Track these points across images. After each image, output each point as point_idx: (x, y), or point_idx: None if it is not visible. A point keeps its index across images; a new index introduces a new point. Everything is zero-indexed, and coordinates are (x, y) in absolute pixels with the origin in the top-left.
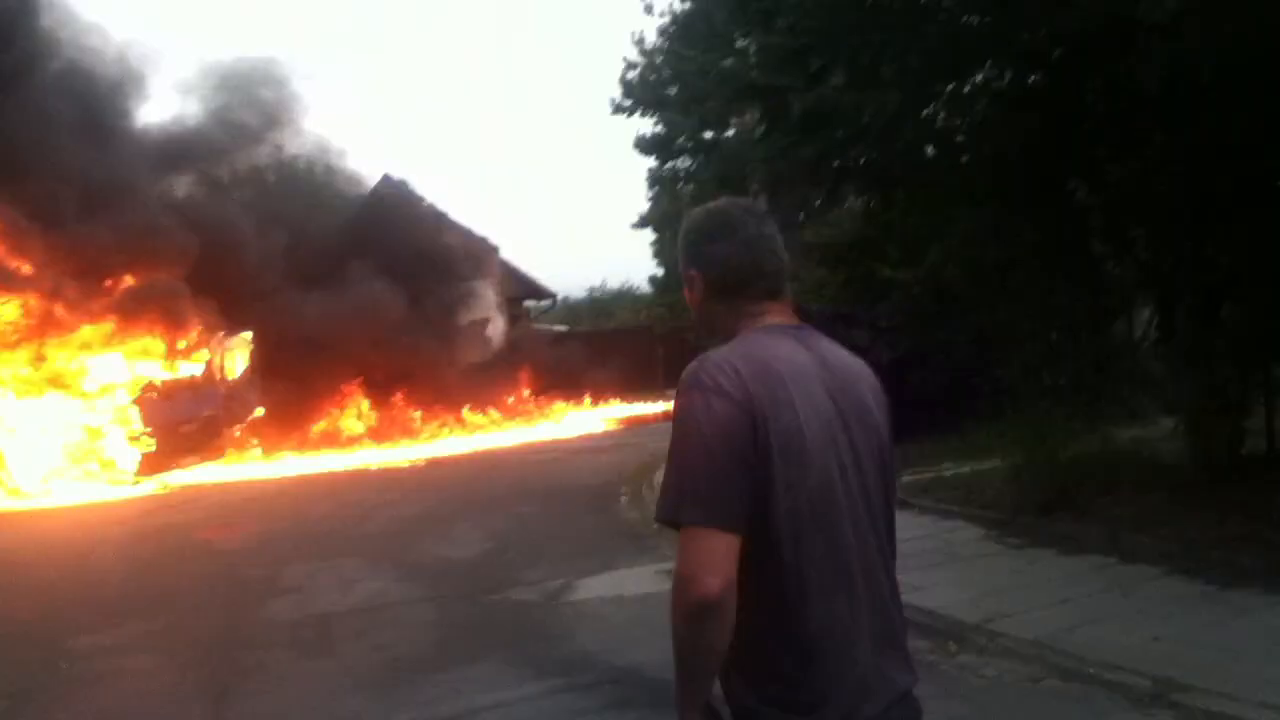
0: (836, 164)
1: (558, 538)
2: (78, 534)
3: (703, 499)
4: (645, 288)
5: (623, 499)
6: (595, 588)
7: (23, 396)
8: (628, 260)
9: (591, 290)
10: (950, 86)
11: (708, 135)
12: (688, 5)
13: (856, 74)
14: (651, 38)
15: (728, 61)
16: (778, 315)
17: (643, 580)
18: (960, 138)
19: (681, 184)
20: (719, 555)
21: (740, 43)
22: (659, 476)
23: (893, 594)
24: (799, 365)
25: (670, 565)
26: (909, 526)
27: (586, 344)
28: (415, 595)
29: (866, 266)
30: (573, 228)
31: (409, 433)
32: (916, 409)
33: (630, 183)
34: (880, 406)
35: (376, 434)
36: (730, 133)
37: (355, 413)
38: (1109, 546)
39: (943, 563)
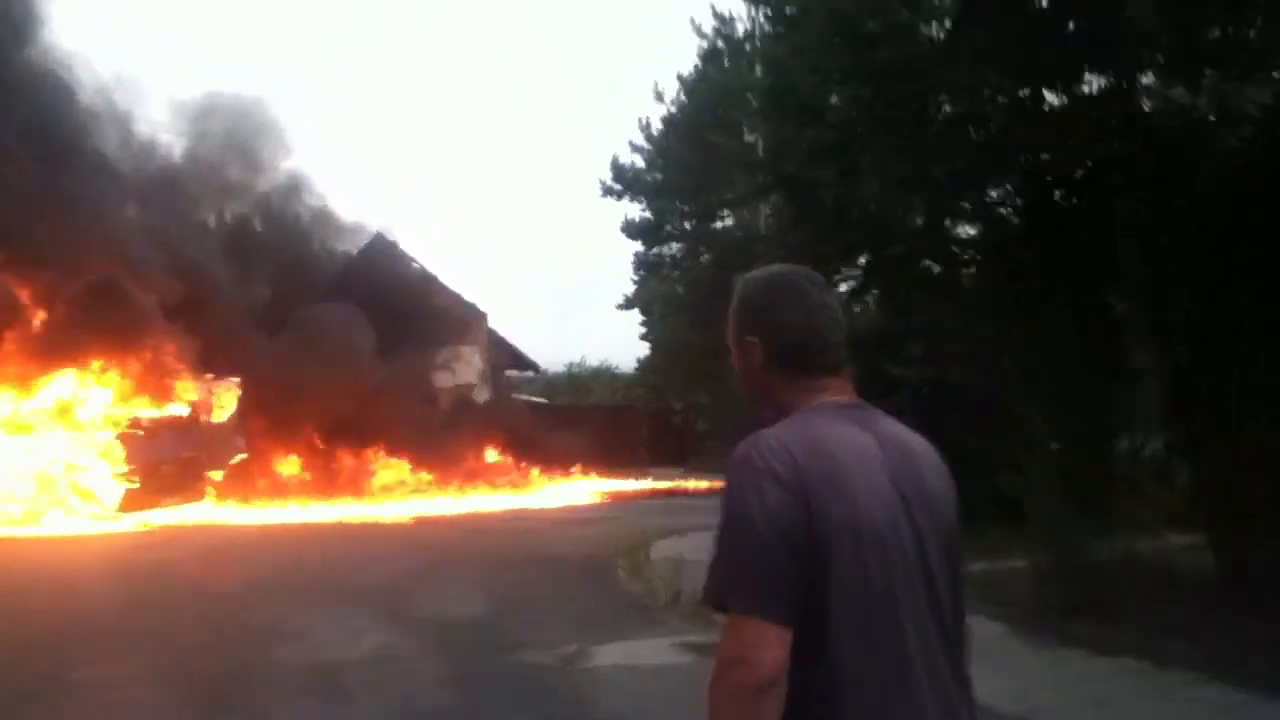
0: (864, 260)
1: (561, 603)
2: (64, 566)
3: (754, 588)
4: (624, 366)
5: (620, 572)
6: (610, 655)
7: (6, 427)
8: (607, 339)
9: (570, 365)
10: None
11: (688, 226)
12: (694, 97)
13: (888, 178)
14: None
15: (754, 147)
16: (837, 392)
17: (658, 652)
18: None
19: (669, 270)
20: (769, 640)
21: (748, 137)
22: (657, 550)
23: (962, 693)
24: (859, 449)
25: (686, 639)
26: None
27: (569, 417)
28: (425, 650)
29: (877, 363)
30: (552, 302)
31: (389, 490)
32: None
33: (612, 262)
34: (946, 487)
35: (354, 489)
36: (729, 222)
37: (337, 466)
38: (1140, 651)
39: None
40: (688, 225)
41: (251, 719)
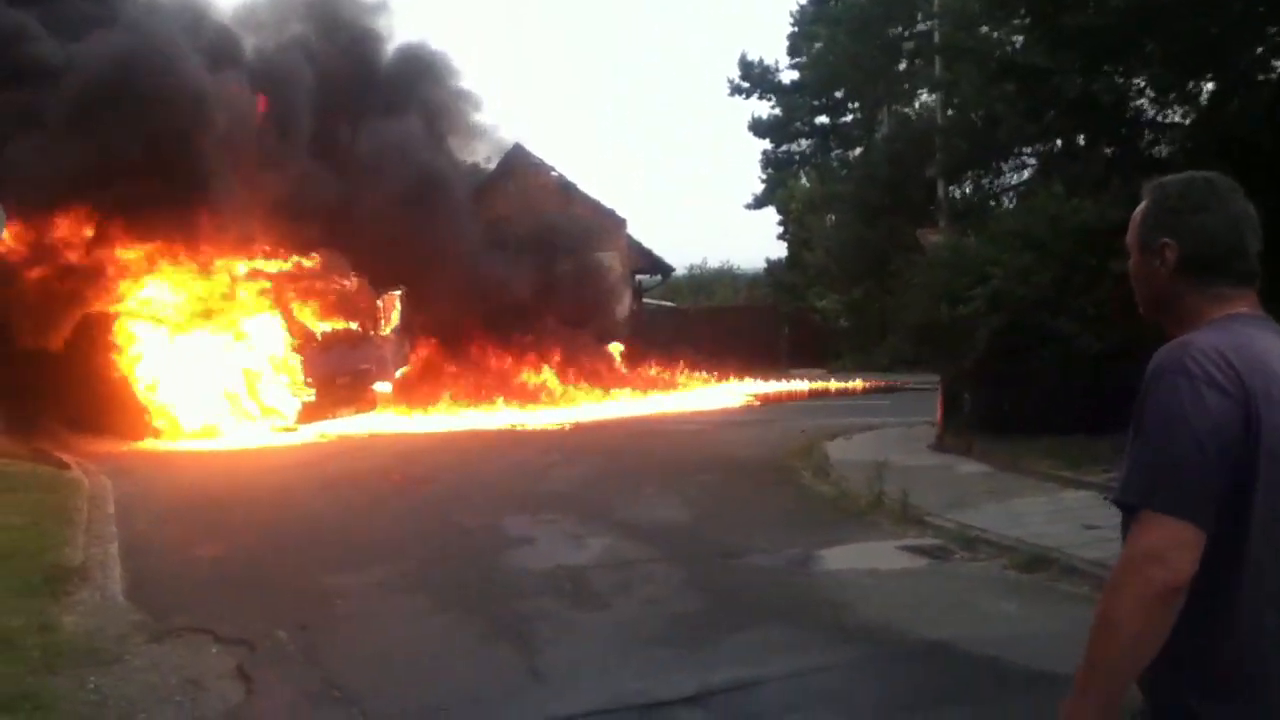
0: (1108, 151)
1: (757, 507)
2: (267, 477)
3: (1183, 489)
4: (744, 267)
5: (804, 474)
6: (841, 559)
7: (187, 339)
8: (725, 238)
9: (691, 268)
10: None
11: (822, 120)
12: None
13: (1133, 62)
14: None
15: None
16: (1247, 304)
17: (889, 556)
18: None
19: (796, 166)
20: (1189, 542)
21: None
22: (832, 452)
23: None
24: None
25: (909, 543)
26: None
27: (707, 319)
28: (651, 555)
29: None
30: (671, 202)
31: (548, 396)
32: (1124, 404)
33: (725, 161)
34: None
35: (515, 395)
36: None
37: (498, 374)
38: None
39: None
40: (819, 120)
41: (523, 623)
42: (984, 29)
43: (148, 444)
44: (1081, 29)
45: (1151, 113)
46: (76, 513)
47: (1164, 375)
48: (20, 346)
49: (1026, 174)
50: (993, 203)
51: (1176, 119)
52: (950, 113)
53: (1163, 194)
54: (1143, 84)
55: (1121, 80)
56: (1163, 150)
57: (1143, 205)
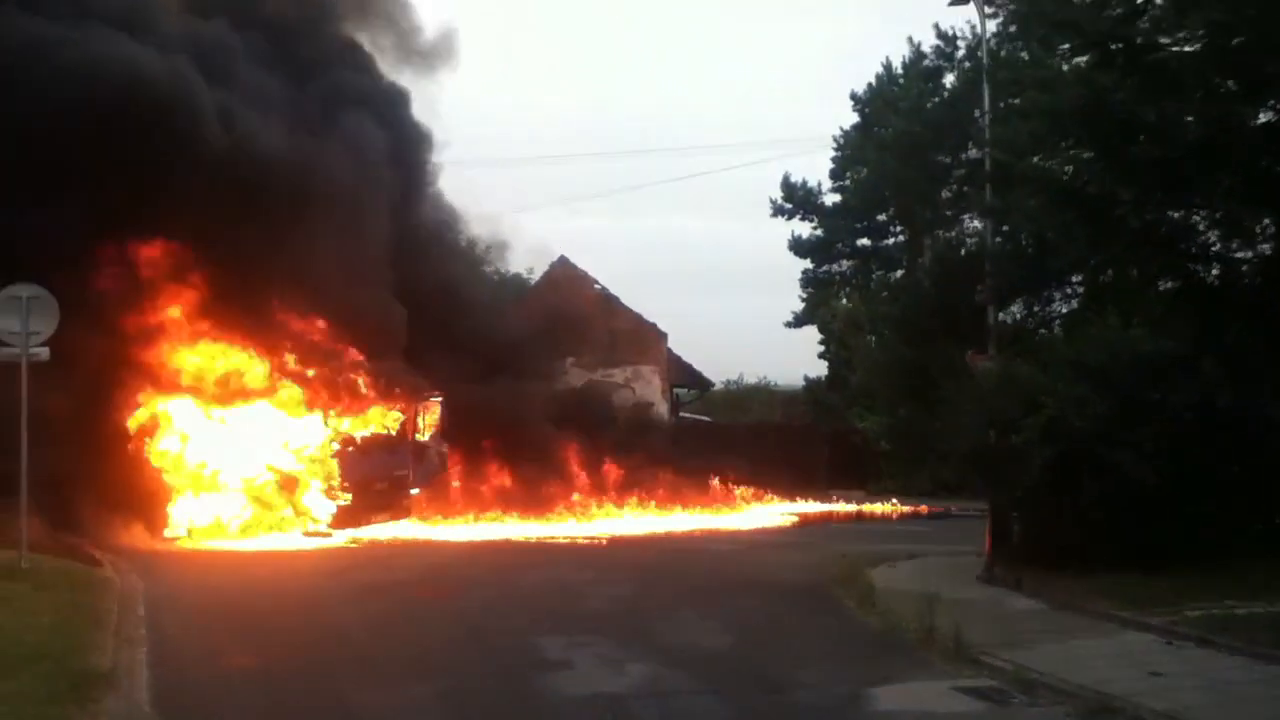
0: (1169, 285)
1: (802, 636)
2: (298, 584)
3: None
4: (781, 384)
5: (848, 603)
6: (893, 700)
7: (225, 433)
8: (762, 355)
9: (728, 383)
10: None
11: (864, 242)
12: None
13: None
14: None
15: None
16: None
17: (944, 698)
18: None
19: (836, 286)
20: None
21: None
22: (876, 580)
23: None
24: None
25: (963, 683)
26: (1227, 669)
27: (743, 435)
28: (693, 686)
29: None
30: (709, 319)
31: (582, 509)
32: (1180, 540)
33: (764, 280)
34: None
35: (550, 507)
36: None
37: (534, 486)
38: None
39: None
40: (861, 243)
41: None
42: (1036, 158)
43: (180, 541)
44: (1151, 161)
45: (1217, 246)
46: (106, 614)
47: None
48: (58, 435)
49: (1075, 303)
50: (1043, 330)
51: (1243, 254)
52: (999, 239)
53: None
54: (1212, 216)
55: (1183, 213)
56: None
57: None
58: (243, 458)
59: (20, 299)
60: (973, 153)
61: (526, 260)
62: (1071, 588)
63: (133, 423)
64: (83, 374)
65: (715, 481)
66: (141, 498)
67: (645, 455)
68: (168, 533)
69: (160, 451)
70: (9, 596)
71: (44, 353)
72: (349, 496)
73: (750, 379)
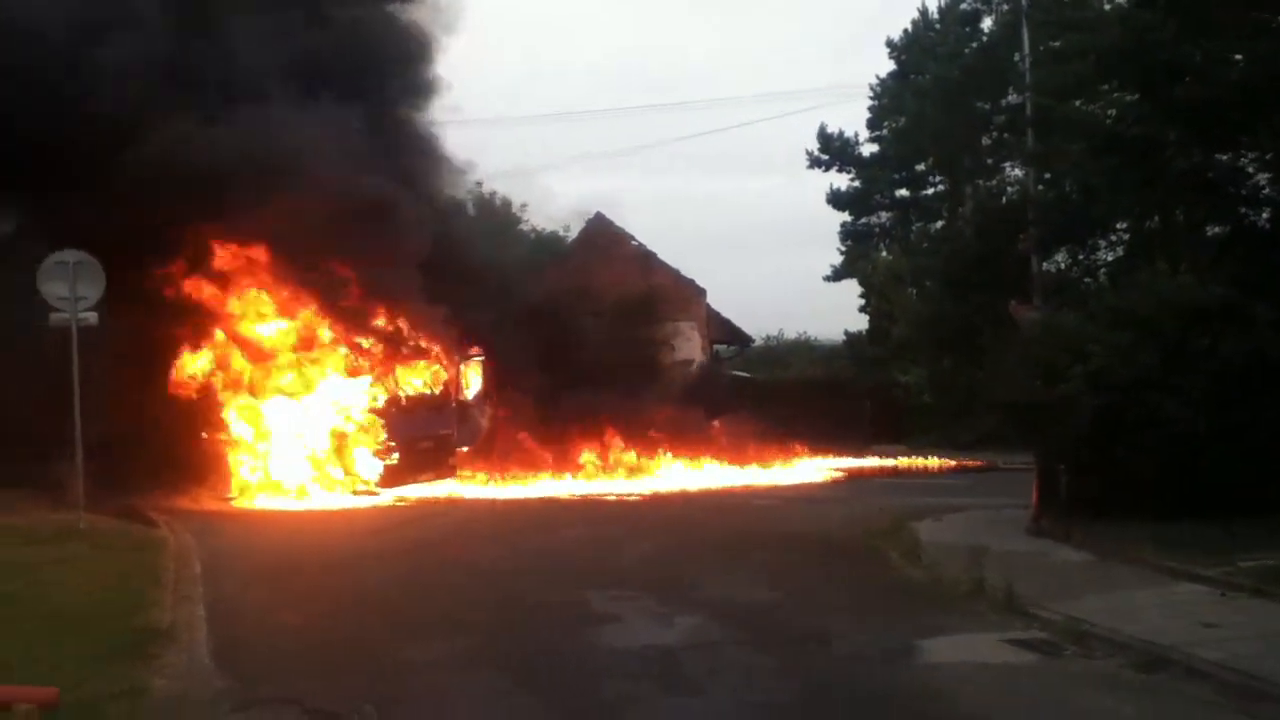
0: (1220, 229)
1: (846, 589)
2: (347, 542)
3: None
4: (821, 339)
5: (892, 555)
6: (943, 652)
7: (277, 401)
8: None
9: (768, 339)
10: None
11: (903, 193)
12: (946, 62)
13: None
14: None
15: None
16: None
17: (995, 650)
18: None
19: (876, 239)
20: None
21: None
22: (921, 534)
23: None
24: None
25: (1013, 635)
26: None
27: (787, 392)
28: (741, 637)
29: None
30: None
31: (623, 465)
32: (1230, 490)
33: (801, 233)
34: None
35: (591, 463)
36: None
37: (574, 442)
38: None
39: None
40: (900, 194)
41: (611, 707)
42: (1078, 102)
43: (233, 502)
44: (1197, 102)
45: (1267, 189)
46: (164, 572)
47: None
48: (110, 399)
49: (1121, 250)
50: (1088, 279)
51: None
52: (1041, 187)
53: None
54: (1261, 158)
55: (1231, 155)
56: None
57: None
58: (295, 418)
59: (67, 264)
60: (1012, 98)
61: (562, 219)
62: (1121, 539)
63: (189, 382)
64: (140, 338)
65: (756, 437)
66: (199, 460)
67: (685, 411)
68: (227, 495)
69: (217, 414)
70: (69, 557)
71: (92, 317)
72: (395, 456)
73: (790, 335)
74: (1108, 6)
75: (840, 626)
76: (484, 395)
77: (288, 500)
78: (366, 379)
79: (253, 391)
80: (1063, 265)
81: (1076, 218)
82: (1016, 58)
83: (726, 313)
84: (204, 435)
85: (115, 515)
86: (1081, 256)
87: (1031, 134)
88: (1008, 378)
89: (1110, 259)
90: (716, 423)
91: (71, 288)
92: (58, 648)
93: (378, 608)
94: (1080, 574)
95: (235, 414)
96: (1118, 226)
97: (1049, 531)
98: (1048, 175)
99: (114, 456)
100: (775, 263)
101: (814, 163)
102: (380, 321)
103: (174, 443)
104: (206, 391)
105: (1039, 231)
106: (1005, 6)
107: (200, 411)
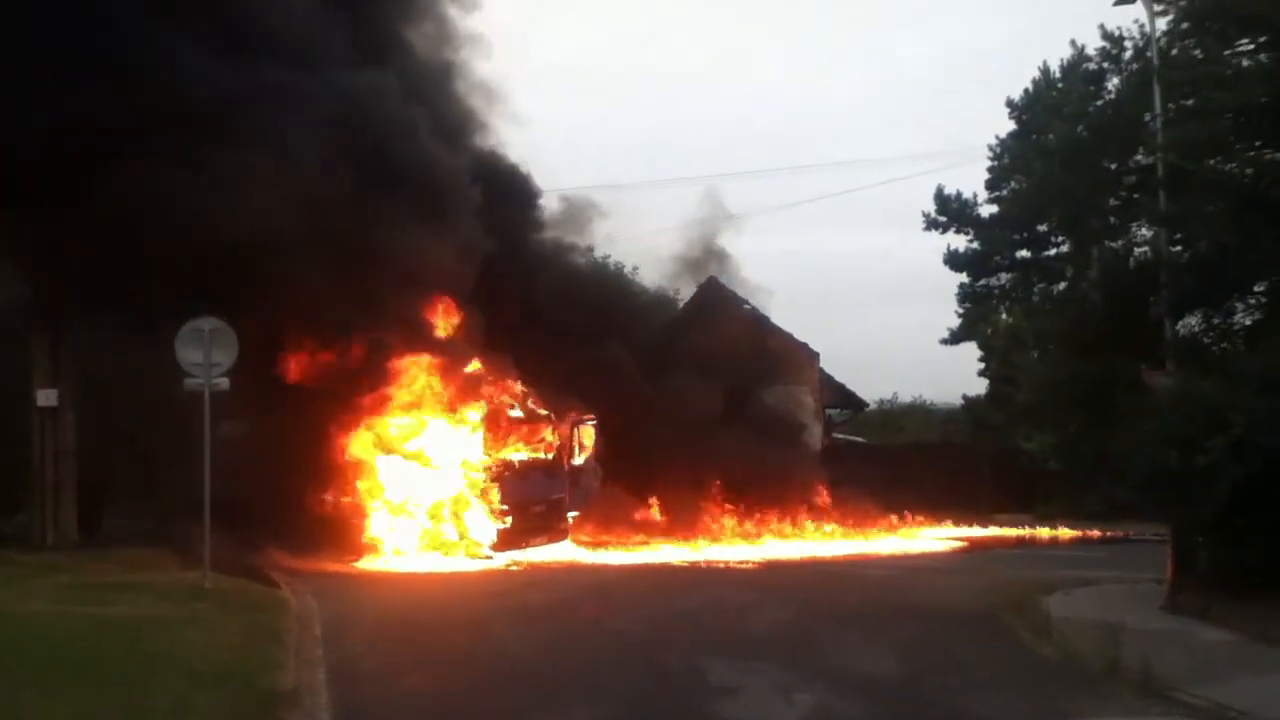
0: None
1: (977, 665)
2: (466, 605)
3: None
4: (937, 403)
5: (1022, 631)
6: None
7: (394, 460)
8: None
9: (882, 402)
10: None
11: (1024, 254)
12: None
13: None
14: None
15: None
16: None
17: None
18: None
19: (995, 300)
20: None
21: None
22: (1051, 608)
23: None
24: None
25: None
26: None
27: (904, 457)
28: (865, 714)
29: None
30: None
31: (738, 531)
32: None
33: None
34: None
35: (706, 530)
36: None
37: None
38: None
39: None
40: (1020, 254)
41: None
42: (1212, 161)
43: (351, 564)
44: None
45: None
46: (286, 634)
47: None
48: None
49: (1260, 314)
50: (1224, 344)
51: None
52: (1174, 248)
53: None
54: None
55: None
56: None
57: None
58: (410, 484)
59: (203, 332)
60: (1141, 158)
61: (673, 282)
62: (1264, 617)
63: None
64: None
65: (873, 504)
66: (320, 522)
67: (800, 476)
68: (347, 557)
69: (354, 477)
70: (196, 617)
71: (224, 383)
72: (509, 519)
73: (905, 398)
74: (1246, 63)
75: (969, 705)
76: (595, 459)
77: (404, 562)
78: (481, 441)
79: (385, 449)
80: (1196, 329)
81: (1211, 279)
82: (1146, 117)
83: (840, 376)
84: (326, 498)
85: (238, 574)
86: (1216, 320)
87: (1163, 194)
88: (1141, 446)
89: (1249, 322)
90: (830, 489)
91: (206, 354)
92: (191, 708)
93: (498, 675)
94: (1221, 654)
95: (372, 477)
96: (1255, 288)
97: (1186, 608)
98: (1179, 236)
99: (239, 516)
100: (891, 325)
101: (931, 224)
102: (518, 387)
103: (296, 504)
104: (348, 459)
105: (1171, 294)
106: (1134, 65)
107: (323, 474)
